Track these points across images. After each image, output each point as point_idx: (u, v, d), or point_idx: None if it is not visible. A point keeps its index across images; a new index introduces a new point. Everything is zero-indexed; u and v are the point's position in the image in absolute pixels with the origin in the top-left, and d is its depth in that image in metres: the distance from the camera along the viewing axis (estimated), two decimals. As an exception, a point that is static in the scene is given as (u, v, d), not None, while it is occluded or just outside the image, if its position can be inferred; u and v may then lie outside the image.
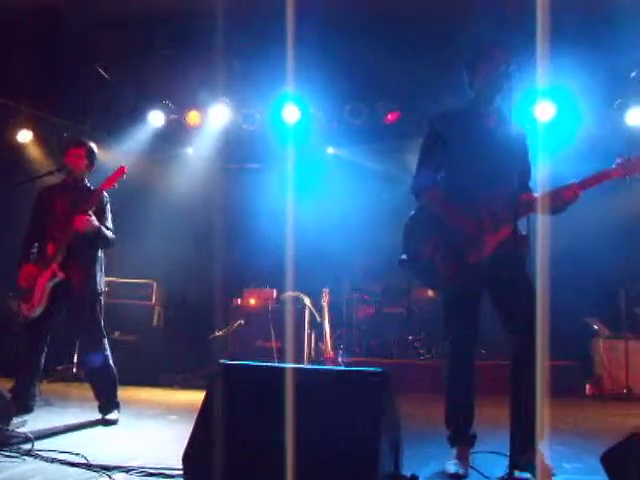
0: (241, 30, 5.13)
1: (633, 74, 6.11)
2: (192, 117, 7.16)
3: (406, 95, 6.78)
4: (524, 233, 3.01)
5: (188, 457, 2.44)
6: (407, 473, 2.61)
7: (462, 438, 3.11)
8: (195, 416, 2.54)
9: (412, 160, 3.33)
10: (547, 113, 6.19)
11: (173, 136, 7.50)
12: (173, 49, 6.20)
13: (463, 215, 3.02)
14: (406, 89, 6.68)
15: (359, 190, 7.57)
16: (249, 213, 7.39)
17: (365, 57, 5.95)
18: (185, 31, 5.66)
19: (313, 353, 6.78)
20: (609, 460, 2.36)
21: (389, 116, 6.93)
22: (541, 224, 1.36)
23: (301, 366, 2.39)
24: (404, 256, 3.13)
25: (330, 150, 7.99)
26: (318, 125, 7.10)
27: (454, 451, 3.09)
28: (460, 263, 2.99)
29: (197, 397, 2.58)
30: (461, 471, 2.97)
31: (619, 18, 4.98)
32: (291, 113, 6.72)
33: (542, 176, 1.33)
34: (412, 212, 3.20)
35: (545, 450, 2.78)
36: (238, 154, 7.86)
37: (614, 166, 2.87)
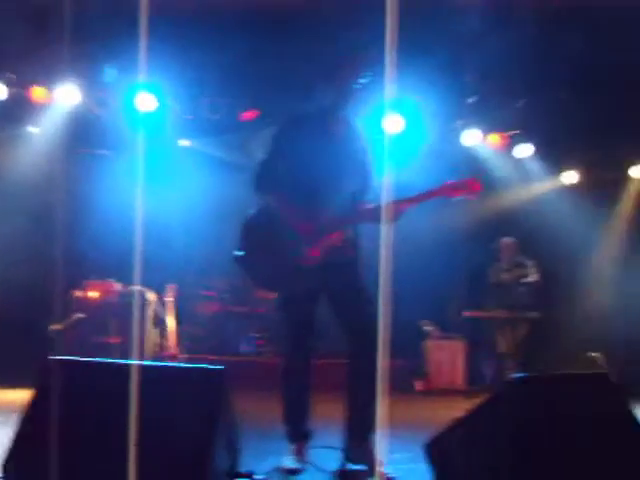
0: (100, 13, 4.90)
1: (470, 100, 6.61)
2: (37, 93, 6.68)
3: (266, 95, 6.80)
4: (355, 239, 3.18)
5: (10, 463, 2.27)
6: (244, 470, 2.64)
7: (299, 434, 3.21)
8: (20, 417, 2.39)
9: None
10: (396, 126, 6.49)
11: (16, 111, 6.97)
12: (23, 22, 5.76)
13: (300, 217, 3.10)
14: (267, 89, 6.70)
15: (209, 182, 7.46)
16: (94, 201, 7.04)
17: (228, 52, 5.90)
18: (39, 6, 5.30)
19: (155, 349, 6.62)
20: (431, 448, 2.55)
21: (247, 114, 6.92)
22: (385, 234, 1.45)
23: (138, 362, 2.32)
24: (241, 252, 3.15)
25: (183, 142, 7.83)
26: (173, 116, 6.94)
27: (292, 447, 3.18)
28: (293, 266, 3.07)
29: (25, 396, 2.42)
30: (298, 466, 3.09)
31: (469, 47, 5.35)
32: (145, 102, 6.51)
33: (385, 187, 1.42)
34: (252, 211, 3.22)
35: (376, 442, 2.93)
36: (87, 139, 7.46)
37: (440, 187, 3.07)
